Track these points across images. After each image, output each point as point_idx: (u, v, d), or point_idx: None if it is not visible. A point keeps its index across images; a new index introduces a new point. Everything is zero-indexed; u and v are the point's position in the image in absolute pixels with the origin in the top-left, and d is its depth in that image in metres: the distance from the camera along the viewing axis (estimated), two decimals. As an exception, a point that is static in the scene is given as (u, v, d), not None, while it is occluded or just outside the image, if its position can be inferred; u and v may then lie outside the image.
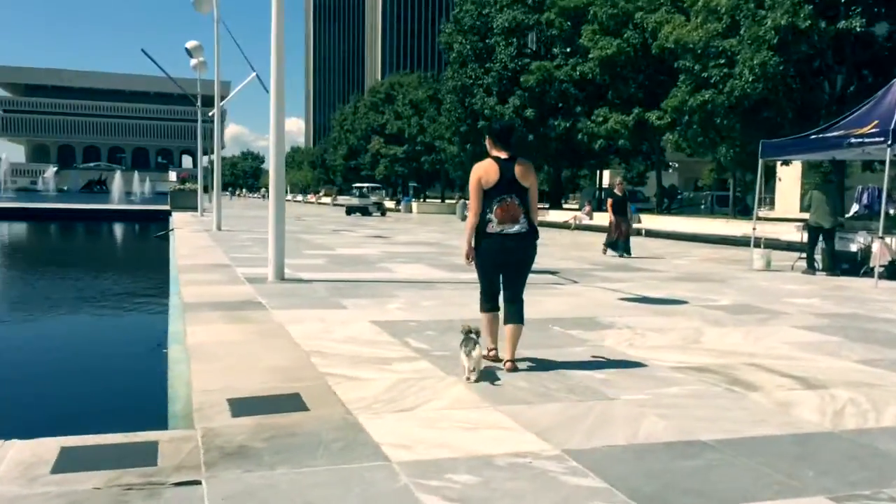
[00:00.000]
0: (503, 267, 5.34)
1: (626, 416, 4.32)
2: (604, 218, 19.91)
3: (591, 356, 5.93)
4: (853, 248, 13.25)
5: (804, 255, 13.92)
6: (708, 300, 9.55)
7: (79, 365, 7.52)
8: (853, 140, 12.29)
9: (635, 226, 22.23)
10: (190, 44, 28.49)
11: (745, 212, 33.90)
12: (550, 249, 18.68)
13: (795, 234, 16.23)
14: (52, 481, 3.07)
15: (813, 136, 13.77)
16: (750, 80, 23.81)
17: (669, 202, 45.90)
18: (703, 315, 8.28)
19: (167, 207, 37.47)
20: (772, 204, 45.99)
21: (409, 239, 21.28)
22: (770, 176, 36.67)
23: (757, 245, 14.73)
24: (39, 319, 10.77)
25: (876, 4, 23.13)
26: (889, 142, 11.44)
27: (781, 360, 5.97)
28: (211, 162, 34.40)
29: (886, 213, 12.76)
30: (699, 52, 26.05)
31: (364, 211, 43.01)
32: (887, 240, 12.43)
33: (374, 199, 44.95)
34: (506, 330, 5.34)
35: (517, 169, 5.19)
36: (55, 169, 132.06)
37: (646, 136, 35.21)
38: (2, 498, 2.93)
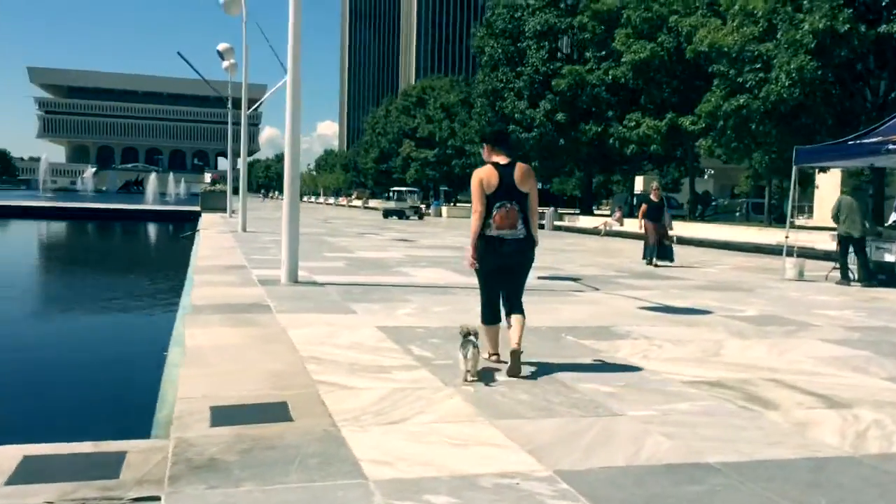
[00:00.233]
0: (500, 272, 5.35)
1: (629, 434, 4.05)
2: (636, 224, 19.46)
3: (601, 368, 5.66)
4: (889, 258, 12.73)
5: (839, 265, 13.42)
6: (733, 310, 9.19)
7: (78, 366, 7.45)
8: (892, 146, 11.79)
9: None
10: (221, 46, 28.67)
11: (781, 220, 33.05)
12: (576, 256, 18.36)
13: (831, 244, 15.70)
14: (2, 494, 2.90)
15: (850, 143, 13.26)
16: (786, 84, 23.21)
17: (703, 209, 45.09)
18: (727, 326, 7.94)
19: (198, 208, 37.78)
20: (810, 212, 44.94)
21: (434, 243, 21.09)
22: (808, 183, 35.77)
23: (790, 254, 14.26)
24: (52, 318, 10.79)
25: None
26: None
27: (804, 376, 5.63)
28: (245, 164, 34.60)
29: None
30: (734, 56, 25.48)
31: (401, 214, 43.20)
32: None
33: (410, 202, 45.20)
34: (511, 321, 5.30)
35: (516, 175, 5.22)
36: (94, 169, 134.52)
37: (679, 141, 34.63)
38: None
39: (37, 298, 12.12)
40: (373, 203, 74.08)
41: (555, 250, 20.21)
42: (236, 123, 32.85)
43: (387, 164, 78.19)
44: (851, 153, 13.32)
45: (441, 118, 62.63)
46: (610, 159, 40.90)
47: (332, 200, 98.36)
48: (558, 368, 5.52)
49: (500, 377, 5.18)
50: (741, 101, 25.23)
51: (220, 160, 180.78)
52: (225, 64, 29.90)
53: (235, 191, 34.25)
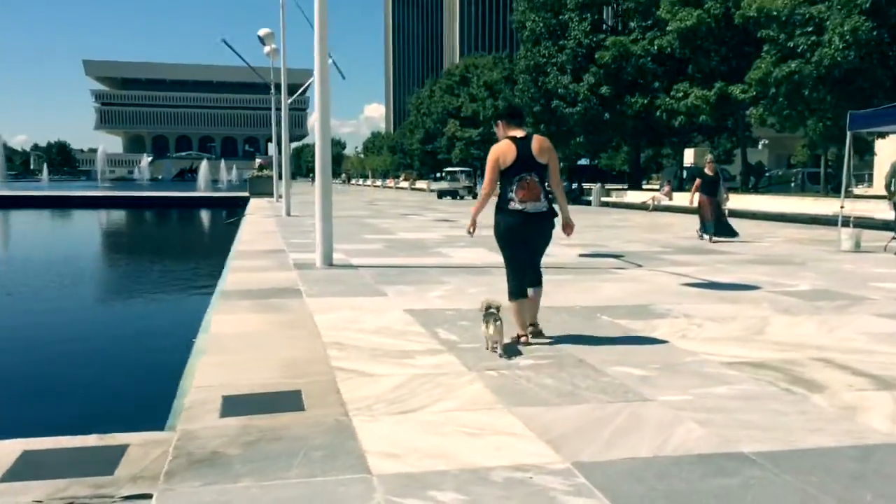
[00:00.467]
0: (526, 244, 5.40)
1: (658, 422, 3.80)
2: (686, 198, 18.74)
3: (635, 350, 5.39)
4: (953, 226, 12.04)
5: (897, 234, 12.79)
6: (783, 285, 8.77)
7: (109, 354, 7.49)
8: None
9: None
10: (261, 31, 28.73)
11: (838, 189, 31.77)
12: (622, 232, 17.92)
13: (890, 213, 14.96)
14: (-8, 492, 2.83)
15: (908, 105, 12.56)
16: (840, 47, 22.21)
17: (756, 180, 43.74)
18: (775, 302, 7.55)
19: (247, 194, 38.23)
20: (869, 181, 43.21)
21: (477, 222, 20.82)
22: (866, 150, 34.33)
23: (846, 224, 13.64)
24: (88, 305, 10.94)
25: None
26: None
27: (856, 355, 5.28)
28: (291, 149, 34.81)
29: None
30: (784, 19, 24.47)
31: (454, 194, 43.47)
32: None
33: (463, 182, 45.36)
34: (530, 293, 5.45)
35: (534, 146, 5.23)
36: (150, 159, 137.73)
37: (729, 111, 33.54)
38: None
39: (79, 286, 12.31)
40: (420, 184, 74.00)
41: (599, 226, 19.78)
42: (280, 109, 33.07)
43: (432, 144, 77.92)
44: (911, 116, 12.63)
45: (485, 96, 62.00)
46: (657, 132, 39.86)
47: (379, 183, 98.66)
48: (589, 351, 5.27)
49: (526, 360, 4.97)
50: (793, 66, 24.26)
51: (271, 146, 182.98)
52: (266, 49, 29.99)
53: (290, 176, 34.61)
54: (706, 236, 14.93)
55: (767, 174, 48.56)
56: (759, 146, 67.96)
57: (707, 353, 5.28)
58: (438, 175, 65.06)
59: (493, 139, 5.57)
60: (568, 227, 5.68)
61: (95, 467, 3.05)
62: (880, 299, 7.79)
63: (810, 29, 23.66)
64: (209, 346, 5.37)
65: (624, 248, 13.47)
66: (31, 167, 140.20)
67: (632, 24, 38.29)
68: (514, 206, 5.21)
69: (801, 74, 24.14)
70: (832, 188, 33.02)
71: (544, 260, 5.69)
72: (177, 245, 23.51)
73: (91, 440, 3.41)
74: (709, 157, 15.90)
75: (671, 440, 3.55)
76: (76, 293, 11.59)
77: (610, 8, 40.41)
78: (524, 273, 5.46)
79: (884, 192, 15.83)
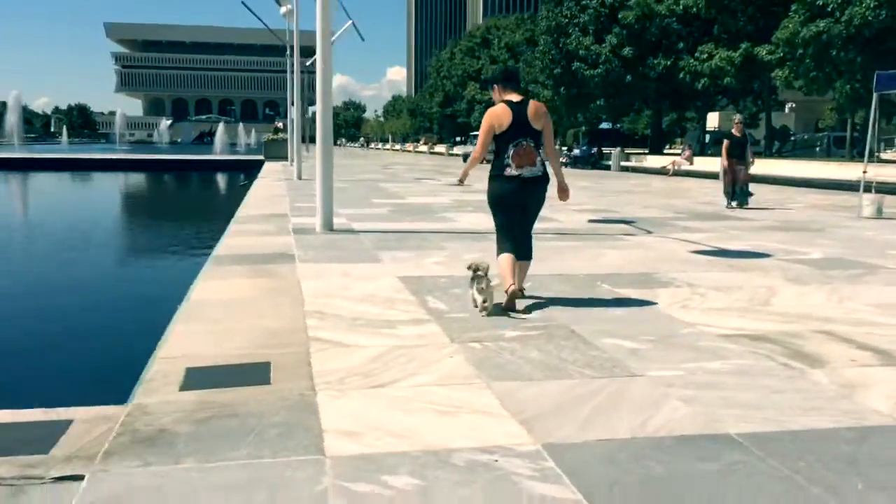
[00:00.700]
0: (520, 209, 5.34)
1: (642, 399, 3.57)
2: (707, 163, 18.21)
3: (631, 320, 5.14)
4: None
5: (922, 200, 12.31)
6: (796, 253, 8.44)
7: (91, 320, 7.33)
8: None
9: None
10: (277, -9, 28.36)
11: (864, 154, 31.03)
12: (637, 197, 17.53)
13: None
14: (-86, 471, 2.66)
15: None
16: (872, 6, 21.39)
17: (781, 145, 42.78)
18: (784, 270, 7.25)
19: (261, 157, 38.03)
20: (897, 145, 42.14)
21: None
22: (894, 113, 33.34)
23: (868, 190, 13.18)
24: (85, 267, 10.82)
25: None
26: None
27: (863, 328, 4.99)
28: (313, 113, 34.52)
29: None
30: (814, -24, 23.59)
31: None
32: None
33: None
34: (518, 266, 5.37)
35: (529, 111, 5.20)
36: (169, 122, 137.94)
37: (755, 73, 32.63)
38: None
39: (79, 249, 12.16)
40: (439, 148, 73.35)
41: (615, 192, 19.38)
42: (302, 72, 32.69)
43: (451, 107, 77.09)
44: (940, 77, 12.08)
45: (505, 59, 61.00)
46: (680, 95, 38.99)
47: (398, 147, 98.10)
48: (582, 321, 5.03)
49: (513, 332, 4.74)
50: (821, 25, 23.45)
51: (292, 109, 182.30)
52: (282, 10, 29.58)
53: (307, 139, 34.23)
54: (734, 203, 14.39)
55: (793, 138, 47.46)
56: (786, 110, 66.43)
57: (706, 325, 5.02)
58: (458, 139, 64.18)
59: None
60: (563, 192, 5.64)
61: (32, 445, 2.88)
62: (897, 268, 7.45)
63: (840, -14, 22.83)
64: (186, 314, 5.20)
65: (637, 213, 13.13)
66: (52, 130, 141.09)
67: (656, -17, 37.22)
68: (511, 171, 5.19)
69: (829, 34, 23.33)
70: (858, 152, 32.17)
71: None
72: (186, 208, 23.41)
73: (35, 414, 3.25)
74: (737, 117, 15.28)
75: (653, 420, 3.31)
76: (74, 257, 11.47)
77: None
78: (516, 236, 5.38)
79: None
